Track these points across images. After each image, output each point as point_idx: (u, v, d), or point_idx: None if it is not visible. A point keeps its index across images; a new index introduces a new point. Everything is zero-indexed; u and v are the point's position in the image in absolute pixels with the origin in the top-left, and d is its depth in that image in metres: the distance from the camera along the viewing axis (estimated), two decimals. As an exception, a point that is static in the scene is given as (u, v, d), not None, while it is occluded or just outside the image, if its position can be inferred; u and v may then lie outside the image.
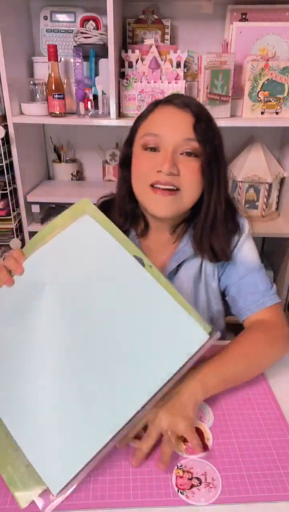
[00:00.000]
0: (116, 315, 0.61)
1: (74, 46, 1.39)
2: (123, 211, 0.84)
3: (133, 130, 0.81)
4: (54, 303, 0.62)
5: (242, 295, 0.83)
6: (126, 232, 0.85)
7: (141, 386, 0.56)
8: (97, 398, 0.56)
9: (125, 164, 0.83)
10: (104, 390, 0.57)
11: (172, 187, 0.74)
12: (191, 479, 0.56)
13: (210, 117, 0.78)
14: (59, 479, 0.53)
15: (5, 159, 1.38)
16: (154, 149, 0.75)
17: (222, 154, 0.79)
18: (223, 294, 0.90)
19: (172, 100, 0.77)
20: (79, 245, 0.66)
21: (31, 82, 1.44)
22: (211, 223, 0.80)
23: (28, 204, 1.49)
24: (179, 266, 0.85)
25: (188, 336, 0.58)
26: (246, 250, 0.85)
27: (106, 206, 0.88)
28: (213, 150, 0.76)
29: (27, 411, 0.57)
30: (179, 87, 1.38)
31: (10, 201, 1.43)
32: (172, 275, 0.86)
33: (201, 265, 0.86)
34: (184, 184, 0.75)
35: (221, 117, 1.39)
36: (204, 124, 0.75)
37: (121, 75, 1.40)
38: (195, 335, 0.58)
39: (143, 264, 0.62)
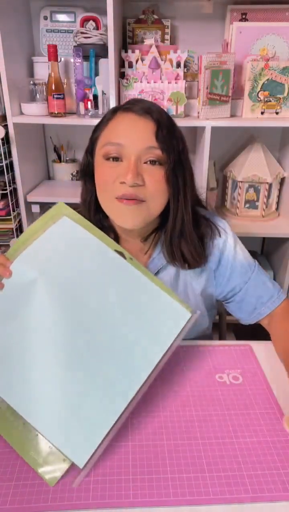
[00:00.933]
0: (107, 304, 0.64)
1: (74, 46, 1.39)
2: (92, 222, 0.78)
3: (93, 139, 0.79)
4: (46, 299, 0.64)
5: (253, 295, 0.85)
6: None
7: (140, 364, 0.62)
8: (104, 376, 0.61)
9: (87, 174, 0.80)
10: (109, 369, 0.61)
11: (136, 198, 0.72)
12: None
13: (172, 122, 0.76)
14: (83, 452, 0.56)
15: (5, 159, 1.38)
16: (116, 159, 0.73)
17: (187, 159, 0.77)
18: (221, 298, 0.90)
19: (132, 107, 0.74)
20: (62, 245, 0.68)
21: (31, 82, 1.44)
22: (179, 231, 0.78)
23: (28, 204, 1.49)
24: (156, 274, 0.84)
25: (173, 316, 0.65)
26: (240, 253, 0.86)
27: None
28: (177, 157, 0.73)
29: (40, 398, 0.60)
30: (179, 87, 1.38)
31: (10, 201, 1.43)
32: None
33: (178, 271, 0.85)
34: (149, 194, 0.72)
35: (221, 117, 1.39)
36: (165, 131, 0.72)
37: (121, 75, 1.40)
38: (180, 314, 0.65)
39: (124, 257, 0.66)
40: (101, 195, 0.76)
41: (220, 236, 0.85)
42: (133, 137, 0.72)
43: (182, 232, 0.79)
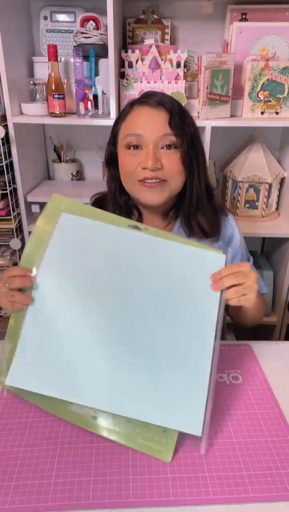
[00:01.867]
0: (145, 281, 0.67)
1: (74, 46, 1.39)
2: (117, 205, 0.91)
3: (115, 131, 0.88)
4: (87, 298, 0.66)
5: None
6: None
7: (202, 323, 0.65)
8: (173, 347, 0.64)
9: (111, 162, 0.90)
10: (175, 339, 0.64)
11: (158, 180, 0.82)
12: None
13: (183, 110, 0.85)
14: (194, 421, 0.60)
15: (5, 159, 1.38)
16: (136, 147, 0.82)
17: (199, 141, 0.86)
18: None
19: (147, 100, 0.84)
20: (76, 243, 0.69)
21: (31, 82, 1.44)
22: (196, 205, 0.88)
23: (28, 204, 1.49)
24: None
25: (211, 264, 0.68)
26: (244, 243, 0.97)
27: (100, 203, 0.95)
28: (190, 140, 0.83)
29: (124, 389, 0.62)
30: (179, 87, 1.38)
31: (10, 201, 1.43)
32: None
33: None
34: (168, 174, 0.82)
35: (221, 117, 1.39)
36: (177, 118, 0.82)
37: (121, 75, 1.40)
38: (217, 259, 0.68)
39: (139, 229, 0.69)
40: (126, 180, 0.86)
41: (228, 218, 0.95)
42: (150, 127, 0.81)
43: (198, 206, 0.88)
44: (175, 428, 0.60)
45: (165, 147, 0.82)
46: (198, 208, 0.88)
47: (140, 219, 0.93)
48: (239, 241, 0.95)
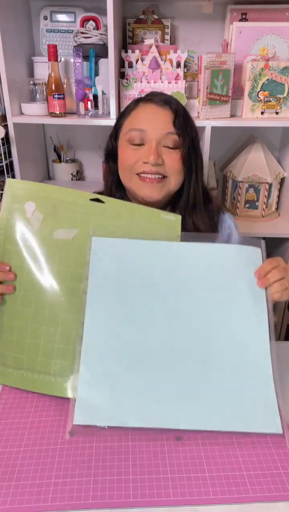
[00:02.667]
0: (192, 287, 0.68)
1: (74, 46, 1.39)
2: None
3: (118, 126, 0.89)
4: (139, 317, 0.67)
5: None
6: None
7: (255, 316, 0.66)
8: (233, 350, 0.65)
9: (110, 157, 0.91)
10: (233, 336, 0.65)
11: (159, 176, 0.83)
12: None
13: (186, 113, 0.87)
14: (272, 421, 0.61)
15: (5, 159, 1.38)
16: (138, 144, 0.83)
17: (198, 145, 0.88)
18: None
19: (153, 98, 0.85)
20: (114, 265, 0.69)
21: (31, 82, 1.44)
22: (192, 205, 0.89)
23: (28, 204, 1.49)
24: None
25: (249, 257, 0.69)
26: (240, 240, 0.95)
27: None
28: (191, 142, 0.85)
29: (204, 403, 0.62)
30: (179, 87, 1.38)
31: (10, 201, 1.43)
32: None
33: None
34: (169, 171, 0.84)
35: (221, 117, 1.39)
36: (182, 119, 0.83)
37: (121, 75, 1.40)
38: (253, 254, 0.70)
39: (102, 202, 0.71)
40: (124, 173, 0.87)
41: (225, 219, 0.96)
42: (154, 124, 0.83)
43: (194, 206, 0.89)
44: (257, 431, 0.61)
45: (166, 146, 0.83)
46: (194, 208, 0.89)
47: None
48: (237, 241, 0.94)
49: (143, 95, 0.90)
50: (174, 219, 0.74)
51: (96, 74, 1.41)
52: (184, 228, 0.88)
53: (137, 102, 0.87)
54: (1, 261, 0.70)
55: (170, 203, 0.92)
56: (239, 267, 0.69)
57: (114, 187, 0.92)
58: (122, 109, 1.41)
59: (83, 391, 0.61)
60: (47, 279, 0.69)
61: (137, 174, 0.84)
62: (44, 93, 1.43)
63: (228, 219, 0.96)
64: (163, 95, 0.87)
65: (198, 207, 0.90)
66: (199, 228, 0.89)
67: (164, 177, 0.84)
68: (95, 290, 0.67)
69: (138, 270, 0.68)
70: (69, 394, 0.66)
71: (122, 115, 0.90)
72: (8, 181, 0.72)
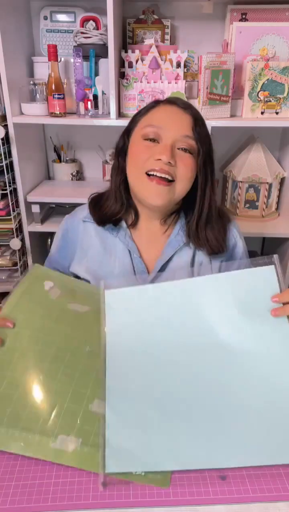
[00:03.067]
0: (210, 325, 0.66)
1: (74, 46, 1.39)
2: (119, 199, 0.88)
3: (133, 122, 0.86)
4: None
5: None
6: (119, 221, 0.89)
7: (279, 343, 0.64)
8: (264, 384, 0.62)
9: (121, 154, 0.87)
10: (259, 368, 0.63)
11: (167, 177, 0.78)
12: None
13: (205, 123, 0.84)
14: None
15: (5, 159, 1.38)
16: (153, 140, 0.80)
17: (213, 159, 0.85)
18: None
19: (175, 100, 0.84)
20: (128, 315, 0.69)
21: (31, 82, 1.44)
22: (205, 218, 0.85)
23: (28, 204, 1.49)
24: (174, 254, 0.88)
25: (264, 279, 0.67)
26: (246, 250, 0.94)
27: (97, 201, 0.92)
28: (207, 151, 0.82)
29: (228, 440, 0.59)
30: (179, 87, 1.38)
31: (10, 201, 1.43)
32: (165, 265, 0.88)
33: (193, 254, 0.89)
34: (179, 175, 0.80)
35: (221, 117, 1.39)
36: (202, 126, 0.82)
37: (121, 75, 1.40)
38: (267, 273, 0.67)
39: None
40: (132, 169, 0.83)
41: (231, 228, 0.92)
42: (173, 123, 0.80)
43: (207, 219, 0.86)
44: (282, 463, 0.57)
45: (181, 149, 0.80)
46: (207, 221, 0.86)
47: (136, 221, 0.89)
48: (242, 250, 0.93)
49: (148, 97, 0.89)
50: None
51: (96, 74, 1.41)
52: (197, 243, 0.86)
53: (156, 102, 0.85)
54: (6, 319, 0.67)
55: (175, 213, 0.89)
56: (255, 292, 0.66)
57: (122, 187, 0.87)
58: (122, 109, 1.43)
59: (112, 436, 0.58)
60: (59, 340, 0.68)
61: (147, 174, 0.79)
62: (44, 93, 1.43)
63: (233, 228, 0.93)
64: (185, 101, 0.85)
65: (211, 221, 0.86)
66: (211, 243, 0.86)
67: (172, 181, 0.80)
68: (114, 339, 0.66)
69: (154, 314, 0.67)
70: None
71: (138, 114, 0.87)
72: (35, 265, 0.78)
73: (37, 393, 0.61)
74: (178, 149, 0.80)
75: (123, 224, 0.89)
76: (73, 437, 0.58)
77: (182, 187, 0.81)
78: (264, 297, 0.66)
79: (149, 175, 0.79)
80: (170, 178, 0.79)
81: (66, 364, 0.64)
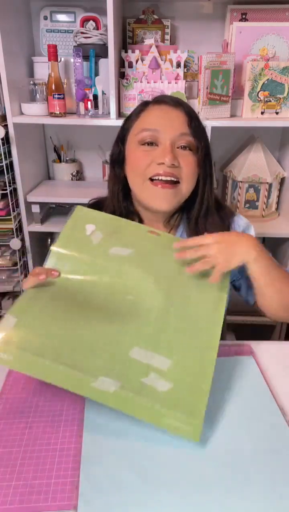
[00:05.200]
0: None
1: (74, 46, 1.39)
2: (118, 209, 0.86)
3: (125, 129, 0.84)
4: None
5: None
6: None
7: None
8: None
9: (116, 163, 0.85)
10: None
11: (173, 179, 0.77)
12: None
13: (198, 116, 0.83)
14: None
15: (5, 159, 1.38)
16: (150, 144, 0.78)
17: (210, 152, 0.84)
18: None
19: (163, 99, 0.81)
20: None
21: (31, 82, 1.44)
22: (204, 213, 0.85)
23: (28, 204, 1.49)
24: None
25: None
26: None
27: (96, 207, 0.90)
28: (205, 145, 0.81)
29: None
30: (179, 87, 1.38)
31: (10, 201, 1.43)
32: None
33: None
34: (184, 175, 0.78)
35: (221, 117, 1.39)
36: (196, 121, 0.80)
37: (121, 75, 1.40)
38: None
39: (158, 234, 0.77)
40: (135, 177, 0.81)
41: (237, 220, 0.90)
42: (168, 124, 0.78)
43: (206, 213, 0.85)
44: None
45: (180, 147, 0.78)
46: (206, 215, 0.85)
47: None
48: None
49: (148, 97, 0.88)
50: None
51: (96, 74, 1.41)
52: (198, 234, 0.84)
53: (146, 104, 0.83)
54: (52, 268, 0.70)
55: (179, 212, 0.88)
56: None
57: (121, 196, 0.86)
58: (122, 109, 1.43)
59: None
60: (98, 288, 0.71)
61: (150, 179, 0.78)
62: (44, 93, 1.43)
63: (239, 220, 0.91)
64: (173, 97, 0.83)
65: (210, 213, 0.86)
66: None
67: (177, 182, 0.78)
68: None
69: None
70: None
71: (129, 119, 0.85)
72: (78, 207, 0.78)
73: (81, 335, 0.64)
74: (178, 148, 0.78)
75: None
76: (112, 380, 0.59)
77: (187, 186, 0.80)
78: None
79: (152, 180, 0.78)
80: (175, 179, 0.77)
81: (107, 312, 0.67)
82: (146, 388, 0.59)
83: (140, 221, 0.88)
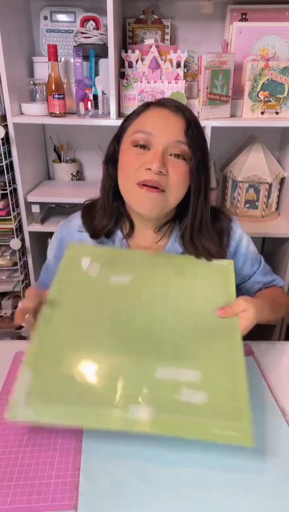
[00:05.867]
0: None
1: (74, 46, 1.39)
2: (108, 209, 0.85)
3: (123, 127, 0.82)
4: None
5: (260, 282, 0.94)
6: (111, 233, 0.87)
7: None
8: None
9: (111, 161, 0.83)
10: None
11: (158, 187, 0.75)
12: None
13: (199, 124, 0.79)
14: None
15: (5, 159, 1.38)
16: (143, 147, 0.76)
17: (208, 162, 0.81)
18: None
19: (165, 103, 0.79)
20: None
21: (31, 82, 1.44)
22: (198, 226, 0.82)
23: (28, 204, 1.49)
24: None
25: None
26: (251, 246, 0.93)
27: (90, 208, 0.89)
28: (201, 156, 0.77)
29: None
30: (179, 87, 1.38)
31: (10, 201, 1.43)
32: None
33: None
34: (170, 185, 0.76)
35: (221, 117, 1.39)
36: (195, 130, 0.76)
37: (121, 75, 1.40)
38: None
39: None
40: (123, 179, 0.79)
41: (234, 228, 0.90)
42: (164, 129, 0.75)
43: (200, 227, 0.82)
44: None
45: (173, 155, 0.75)
46: (201, 230, 0.82)
47: (132, 230, 0.87)
48: (246, 245, 0.91)
49: (149, 97, 0.86)
50: (226, 264, 0.80)
51: (96, 74, 1.41)
52: (195, 252, 0.83)
53: (148, 105, 0.81)
54: (41, 291, 0.72)
55: (170, 221, 0.86)
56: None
57: (112, 196, 0.84)
58: (122, 109, 1.43)
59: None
60: (100, 317, 0.70)
61: (138, 184, 0.75)
62: (44, 93, 1.43)
63: (237, 228, 0.90)
64: (176, 102, 0.80)
65: (205, 229, 0.82)
66: (210, 250, 0.82)
67: (162, 191, 0.76)
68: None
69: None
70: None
71: (129, 117, 0.82)
72: (68, 244, 0.81)
73: (101, 369, 0.62)
74: (170, 155, 0.75)
75: (119, 233, 0.87)
76: (143, 405, 0.57)
77: (174, 196, 0.77)
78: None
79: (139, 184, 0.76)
80: (160, 188, 0.75)
81: (121, 341, 0.66)
82: (182, 405, 0.58)
83: (131, 225, 0.87)
